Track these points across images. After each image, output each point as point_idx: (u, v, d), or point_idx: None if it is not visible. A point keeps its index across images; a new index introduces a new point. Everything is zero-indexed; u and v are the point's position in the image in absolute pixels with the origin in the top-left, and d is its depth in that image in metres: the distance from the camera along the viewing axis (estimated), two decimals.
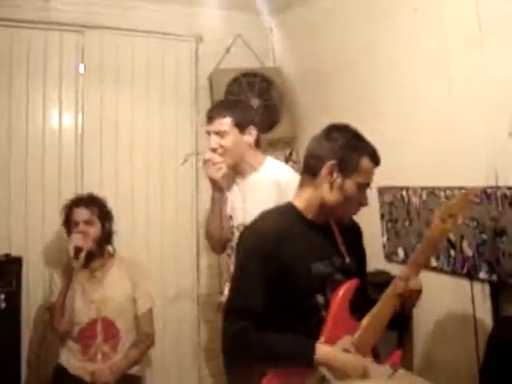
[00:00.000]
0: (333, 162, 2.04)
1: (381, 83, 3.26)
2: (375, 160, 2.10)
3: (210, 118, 2.86)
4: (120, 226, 3.46)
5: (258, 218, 2.18)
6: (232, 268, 2.83)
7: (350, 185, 2.05)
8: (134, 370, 3.25)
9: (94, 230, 3.17)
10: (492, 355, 2.37)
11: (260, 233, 2.09)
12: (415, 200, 2.98)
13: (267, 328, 1.97)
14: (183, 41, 4.06)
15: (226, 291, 2.91)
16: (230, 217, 2.91)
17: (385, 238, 3.24)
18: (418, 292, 2.09)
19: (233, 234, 2.90)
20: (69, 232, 3.18)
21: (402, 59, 3.09)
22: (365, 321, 2.04)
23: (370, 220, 3.14)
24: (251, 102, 3.91)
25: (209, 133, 2.86)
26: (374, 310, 2.06)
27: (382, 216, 3.24)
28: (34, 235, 3.55)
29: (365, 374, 1.96)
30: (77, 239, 3.03)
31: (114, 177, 3.84)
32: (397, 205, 3.12)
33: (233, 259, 2.84)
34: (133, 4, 3.88)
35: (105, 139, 3.83)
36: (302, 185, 2.17)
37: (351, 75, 3.52)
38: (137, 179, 3.90)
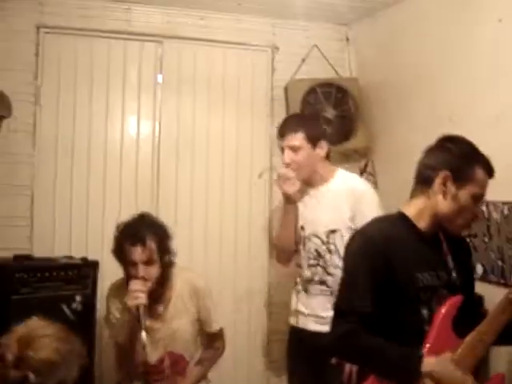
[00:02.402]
0: (447, 171, 2.01)
1: (459, 97, 3.17)
2: (490, 171, 2.06)
3: (283, 133, 2.92)
4: (194, 235, 3.48)
5: (368, 223, 2.17)
6: (305, 275, 2.93)
7: (464, 195, 2.01)
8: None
9: (155, 269, 2.77)
10: None
11: (370, 235, 2.07)
12: (496, 215, 2.88)
13: (374, 331, 1.95)
14: (259, 51, 4.08)
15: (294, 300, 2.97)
16: (302, 227, 2.96)
17: None
18: None
19: (304, 244, 2.95)
20: (124, 266, 2.81)
21: (483, 72, 2.99)
22: (468, 337, 1.97)
23: None
24: (327, 112, 3.88)
25: (282, 148, 2.92)
26: (480, 328, 1.98)
27: None
28: (110, 240, 3.61)
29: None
30: (136, 297, 2.65)
31: (190, 186, 3.88)
32: None
33: (303, 268, 2.94)
34: (210, 15, 3.94)
35: (181, 148, 3.88)
36: (413, 195, 2.13)
37: (428, 87, 3.44)
38: (211, 189, 3.93)
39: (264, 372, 4.02)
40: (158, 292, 2.84)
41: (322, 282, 2.88)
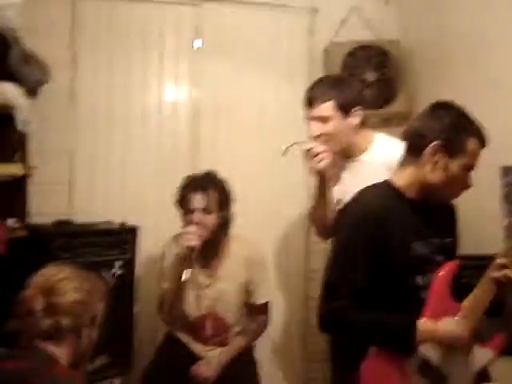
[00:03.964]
0: (438, 142, 1.96)
1: (508, 60, 3.03)
2: (482, 141, 2.01)
3: (310, 101, 2.63)
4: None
5: (358, 195, 2.13)
6: None
7: (454, 166, 1.98)
8: None
9: (211, 219, 2.91)
10: None
11: (362, 208, 2.04)
12: None
13: (365, 306, 1.93)
14: (298, 13, 3.99)
15: None
16: (338, 201, 2.73)
17: (506, 221, 3.05)
18: None
19: None
20: (183, 215, 2.98)
21: None
22: (466, 302, 1.99)
23: (488, 201, 2.98)
24: (367, 75, 3.80)
25: (309, 118, 2.65)
26: (475, 292, 2.00)
27: (506, 197, 3.05)
28: (148, 206, 3.67)
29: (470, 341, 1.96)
30: (189, 239, 2.82)
31: (228, 152, 3.85)
32: None
33: None
34: None
35: (219, 114, 3.85)
36: (403, 163, 2.09)
37: (474, 50, 3.29)
38: (250, 155, 3.90)
39: (301, 338, 4.05)
40: (213, 247, 3.00)
41: None
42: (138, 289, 3.36)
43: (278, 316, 3.90)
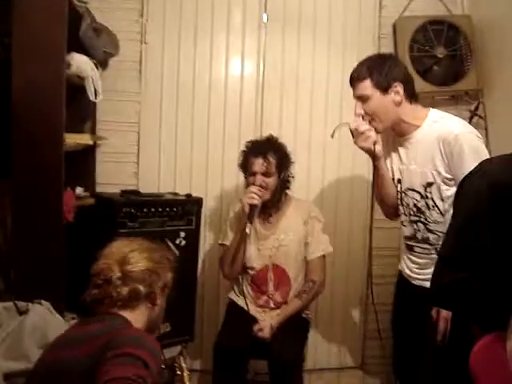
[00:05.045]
0: None
1: None
2: None
3: (351, 81, 2.67)
4: (296, 177, 3.45)
5: (484, 161, 2.01)
6: (407, 231, 2.72)
7: None
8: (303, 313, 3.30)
9: (272, 181, 3.15)
10: None
11: (488, 174, 1.86)
12: None
13: (491, 282, 1.84)
14: None
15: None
16: (398, 181, 2.71)
17: None
18: None
19: (401, 199, 2.71)
20: (245, 177, 3.25)
21: None
22: None
23: None
24: (437, 51, 3.71)
25: (354, 98, 2.66)
26: None
27: None
28: (213, 178, 3.74)
29: None
30: (251, 197, 3.09)
31: (293, 125, 3.85)
32: None
33: (405, 224, 2.73)
34: None
35: (285, 88, 3.84)
36: None
37: None
38: (315, 129, 3.87)
39: (362, 314, 4.05)
40: (273, 204, 3.24)
41: (425, 240, 2.63)
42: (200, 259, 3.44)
43: (339, 293, 3.94)
